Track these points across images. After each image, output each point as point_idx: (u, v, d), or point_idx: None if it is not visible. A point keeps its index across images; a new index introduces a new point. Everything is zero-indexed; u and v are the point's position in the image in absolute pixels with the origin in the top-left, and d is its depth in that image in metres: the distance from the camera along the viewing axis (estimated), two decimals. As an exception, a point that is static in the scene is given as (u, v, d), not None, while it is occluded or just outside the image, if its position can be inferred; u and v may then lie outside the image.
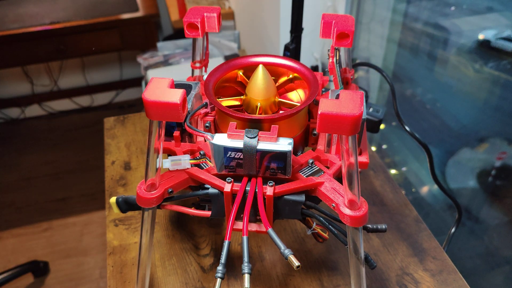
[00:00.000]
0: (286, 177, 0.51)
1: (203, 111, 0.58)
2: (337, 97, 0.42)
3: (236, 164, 0.51)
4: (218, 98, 0.59)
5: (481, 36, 0.87)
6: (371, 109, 0.74)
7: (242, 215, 0.50)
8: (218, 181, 0.51)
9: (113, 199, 0.55)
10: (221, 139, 0.49)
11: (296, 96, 0.61)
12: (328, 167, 0.54)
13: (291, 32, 0.88)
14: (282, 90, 0.62)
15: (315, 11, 1.15)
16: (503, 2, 0.87)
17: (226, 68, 0.60)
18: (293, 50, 0.89)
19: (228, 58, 1.54)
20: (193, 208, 0.54)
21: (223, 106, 0.53)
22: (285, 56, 0.81)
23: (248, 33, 1.65)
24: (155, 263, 0.65)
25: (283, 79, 0.61)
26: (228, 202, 0.51)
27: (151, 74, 1.59)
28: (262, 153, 0.49)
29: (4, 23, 1.73)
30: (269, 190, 0.50)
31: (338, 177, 0.54)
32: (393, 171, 1.23)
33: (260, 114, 0.56)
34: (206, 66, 0.68)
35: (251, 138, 0.48)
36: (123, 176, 0.80)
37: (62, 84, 2.39)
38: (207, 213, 0.53)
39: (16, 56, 1.82)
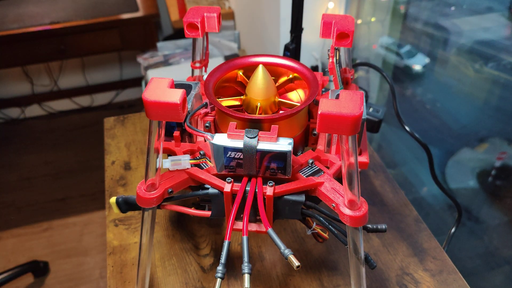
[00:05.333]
0: (286, 177, 0.51)
1: (203, 111, 0.58)
2: (337, 97, 0.42)
3: (236, 164, 0.51)
4: (218, 98, 0.59)
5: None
6: (371, 109, 0.74)
7: (242, 215, 0.50)
8: (218, 181, 0.51)
9: (113, 199, 0.55)
10: (221, 139, 0.49)
11: (296, 96, 0.61)
12: (328, 167, 0.54)
13: (291, 32, 0.88)
14: (282, 90, 0.62)
15: (315, 11, 1.15)
16: (503, 2, 0.87)
17: (226, 68, 0.60)
18: (293, 50, 0.89)
19: (228, 58, 1.54)
20: (193, 208, 0.54)
21: (223, 106, 0.53)
22: (285, 56, 0.81)
23: (248, 33, 1.65)
24: (155, 263, 0.65)
25: (283, 79, 0.61)
26: (228, 202, 0.51)
27: (151, 74, 1.59)
28: (262, 153, 0.49)
29: (4, 23, 1.73)
30: (269, 190, 0.50)
31: (338, 177, 0.54)
32: (393, 171, 1.23)
33: (260, 114, 0.56)
34: (206, 66, 0.68)
35: (251, 138, 0.48)
36: (123, 176, 0.80)
37: (62, 84, 2.39)
38: (207, 213, 0.53)
39: (16, 56, 1.82)
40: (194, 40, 0.65)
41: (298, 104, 0.54)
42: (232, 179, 0.51)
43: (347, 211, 0.47)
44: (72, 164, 2.09)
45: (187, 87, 0.57)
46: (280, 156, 0.49)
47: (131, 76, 2.46)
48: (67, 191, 1.94)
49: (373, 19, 1.22)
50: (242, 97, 0.59)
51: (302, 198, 0.51)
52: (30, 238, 1.73)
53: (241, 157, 0.49)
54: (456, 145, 1.04)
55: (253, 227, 0.53)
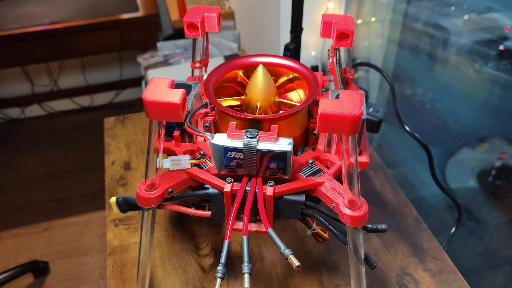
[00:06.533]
0: (286, 177, 0.51)
1: (203, 111, 0.58)
2: (337, 97, 0.42)
3: (236, 164, 0.51)
4: (218, 98, 0.59)
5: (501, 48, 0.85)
6: (371, 109, 0.74)
7: (242, 215, 0.50)
8: (218, 181, 0.51)
9: (113, 199, 0.55)
10: (221, 139, 0.49)
11: (296, 96, 0.61)
12: (328, 167, 0.54)
13: (291, 32, 0.88)
14: (282, 90, 0.62)
15: (315, 11, 1.15)
16: (503, 2, 0.87)
17: (226, 68, 0.60)
18: (293, 50, 0.89)
19: (228, 58, 1.54)
20: (193, 208, 0.54)
21: (223, 106, 0.53)
22: (285, 56, 0.81)
23: (248, 33, 1.65)
24: (155, 263, 0.65)
25: (283, 79, 0.61)
26: (228, 202, 0.51)
27: (151, 74, 1.59)
28: (262, 153, 0.49)
29: (4, 23, 1.73)
30: (269, 190, 0.50)
31: (338, 177, 0.54)
32: (393, 171, 1.23)
33: (260, 114, 0.56)
34: (206, 66, 0.68)
35: (251, 138, 0.48)
36: (123, 176, 0.80)
37: (62, 84, 2.39)
38: (207, 213, 0.53)
39: (16, 56, 1.82)
40: (194, 40, 0.65)
41: (298, 104, 0.54)
42: (232, 179, 0.51)
43: (347, 211, 0.47)
44: (72, 164, 2.09)
45: (187, 87, 0.57)
46: (280, 156, 0.49)
47: (131, 76, 2.46)
48: (67, 191, 1.94)
49: (373, 19, 1.22)
50: (242, 97, 0.59)
51: (302, 198, 0.51)
52: (30, 238, 1.73)
53: (241, 157, 0.49)
54: (456, 145, 1.04)
55: (253, 227, 0.53)
